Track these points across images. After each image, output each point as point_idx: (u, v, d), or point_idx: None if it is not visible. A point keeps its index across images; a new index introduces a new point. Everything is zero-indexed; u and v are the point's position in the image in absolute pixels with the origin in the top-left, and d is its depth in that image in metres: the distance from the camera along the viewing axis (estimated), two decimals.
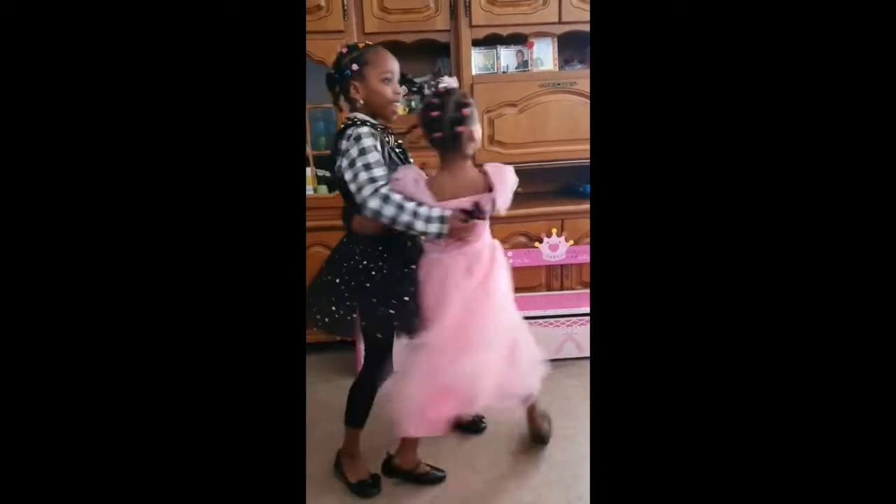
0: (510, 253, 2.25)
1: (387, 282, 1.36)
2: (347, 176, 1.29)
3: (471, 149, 1.32)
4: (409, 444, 1.48)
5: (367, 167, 1.27)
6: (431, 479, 1.51)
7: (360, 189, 1.27)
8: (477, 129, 1.33)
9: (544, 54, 2.26)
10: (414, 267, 1.39)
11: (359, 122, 1.34)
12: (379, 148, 1.31)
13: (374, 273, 1.37)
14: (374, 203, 1.25)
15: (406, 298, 1.36)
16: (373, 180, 1.26)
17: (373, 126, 1.35)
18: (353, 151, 1.28)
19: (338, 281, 1.38)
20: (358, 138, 1.29)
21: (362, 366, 1.50)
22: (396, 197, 1.26)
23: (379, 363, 1.47)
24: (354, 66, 1.36)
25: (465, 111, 1.29)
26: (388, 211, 1.25)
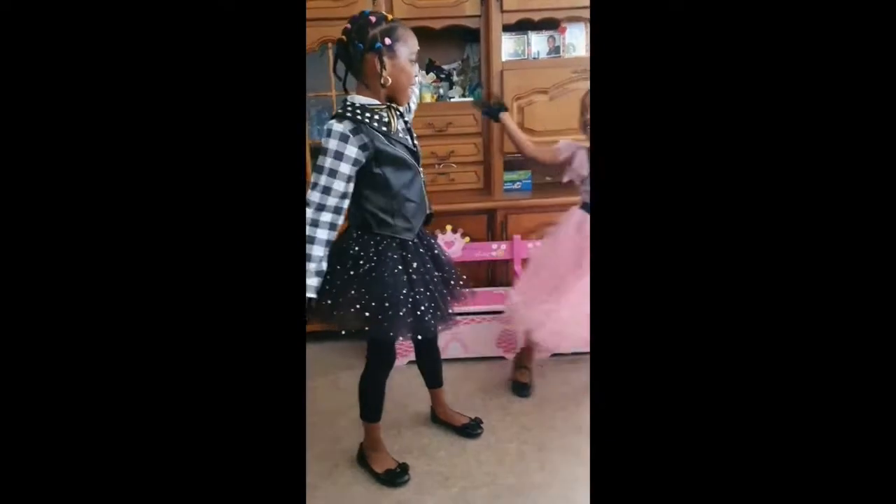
0: (538, 244, 2.22)
1: (370, 276, 1.30)
2: (316, 167, 1.23)
3: None
4: (439, 397, 1.71)
5: (331, 173, 1.21)
6: (470, 431, 1.66)
7: (311, 186, 1.22)
8: None
9: (577, 40, 2.20)
10: (401, 273, 1.32)
11: (349, 109, 1.25)
12: (352, 152, 1.22)
13: (361, 262, 1.31)
14: (307, 213, 1.21)
15: (385, 296, 1.28)
16: (325, 190, 1.22)
17: (370, 112, 1.25)
18: (327, 149, 1.22)
19: (334, 267, 1.30)
20: (329, 133, 1.22)
21: (366, 359, 1.47)
22: (321, 233, 1.24)
23: (377, 355, 1.44)
24: (388, 41, 1.23)
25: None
26: (308, 231, 1.22)
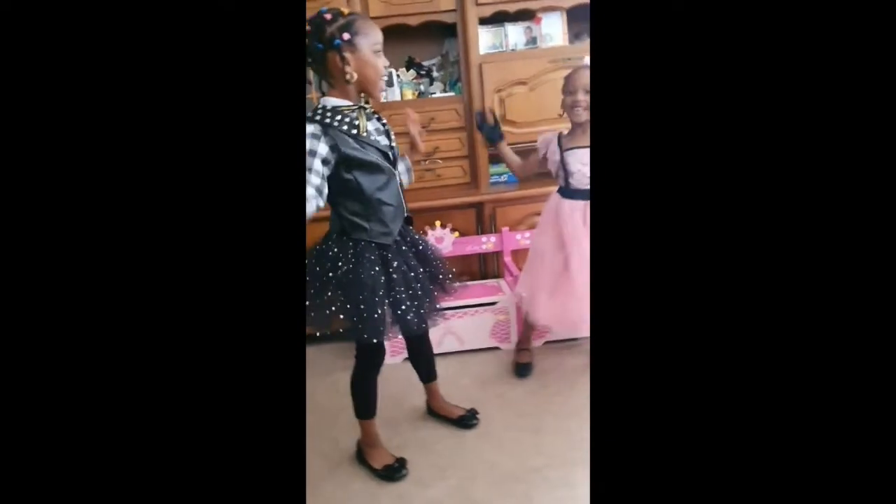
0: (528, 234, 2.23)
1: (348, 278, 1.29)
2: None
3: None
4: (434, 391, 1.73)
5: (308, 170, 1.22)
6: (466, 422, 1.67)
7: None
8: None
9: (553, 29, 2.21)
10: (379, 273, 1.32)
11: (319, 113, 1.25)
12: (323, 150, 1.23)
13: (340, 264, 1.30)
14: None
15: (361, 298, 1.28)
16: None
17: (340, 115, 1.25)
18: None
19: (314, 269, 1.31)
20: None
21: (355, 359, 1.47)
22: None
23: (364, 355, 1.44)
24: (346, 35, 1.21)
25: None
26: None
